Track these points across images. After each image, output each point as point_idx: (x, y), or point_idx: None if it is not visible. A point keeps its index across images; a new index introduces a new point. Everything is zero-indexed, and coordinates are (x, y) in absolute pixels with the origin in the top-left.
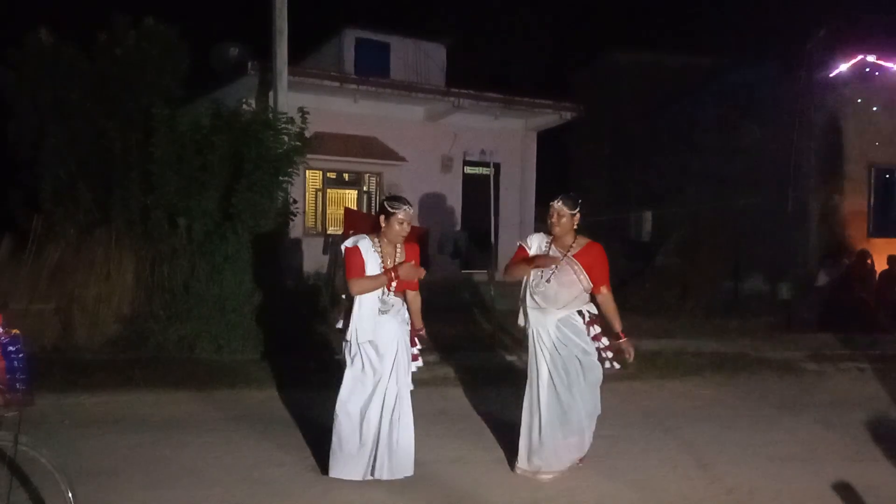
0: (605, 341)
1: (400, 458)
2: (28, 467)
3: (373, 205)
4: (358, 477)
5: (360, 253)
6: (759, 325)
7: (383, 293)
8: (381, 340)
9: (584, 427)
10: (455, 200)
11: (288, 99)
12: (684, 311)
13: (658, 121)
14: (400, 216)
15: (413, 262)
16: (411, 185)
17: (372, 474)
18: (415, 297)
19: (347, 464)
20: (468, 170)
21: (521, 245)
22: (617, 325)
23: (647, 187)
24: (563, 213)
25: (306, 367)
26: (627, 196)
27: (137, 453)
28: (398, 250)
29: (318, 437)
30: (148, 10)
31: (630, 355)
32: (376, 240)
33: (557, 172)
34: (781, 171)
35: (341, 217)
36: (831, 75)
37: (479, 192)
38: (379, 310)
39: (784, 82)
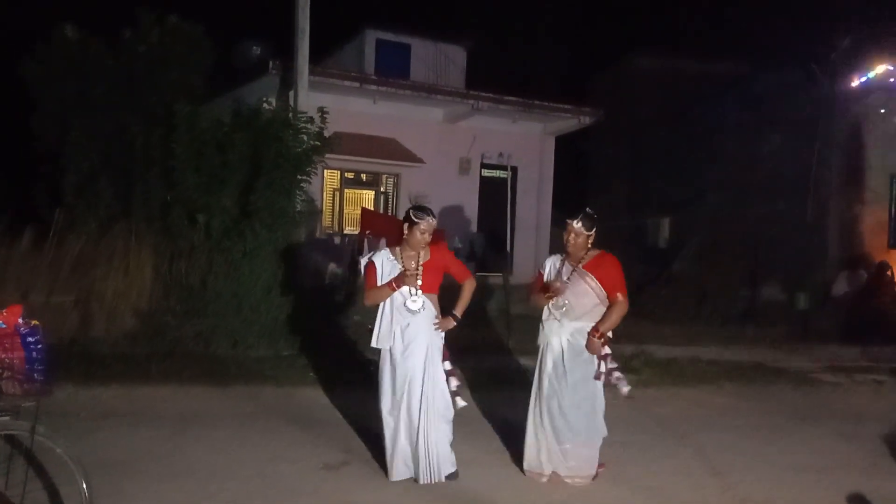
0: (612, 364)
1: (436, 461)
2: (44, 457)
3: (390, 205)
4: (402, 477)
5: (375, 267)
6: (776, 334)
7: (410, 293)
8: (407, 344)
9: (579, 437)
10: (472, 203)
11: (308, 98)
12: (700, 318)
13: (677, 127)
14: (422, 226)
15: (413, 271)
16: (428, 187)
17: (416, 478)
18: (468, 283)
19: (398, 466)
20: (485, 172)
21: (539, 272)
22: (603, 324)
23: (666, 193)
24: (580, 234)
25: (322, 365)
26: (645, 202)
27: (152, 446)
28: (421, 255)
29: (331, 434)
30: (172, 7)
31: (593, 351)
32: (397, 249)
33: (575, 177)
34: (801, 179)
35: (358, 217)
36: (854, 85)
37: (496, 195)
38: (408, 310)
39: (806, 90)
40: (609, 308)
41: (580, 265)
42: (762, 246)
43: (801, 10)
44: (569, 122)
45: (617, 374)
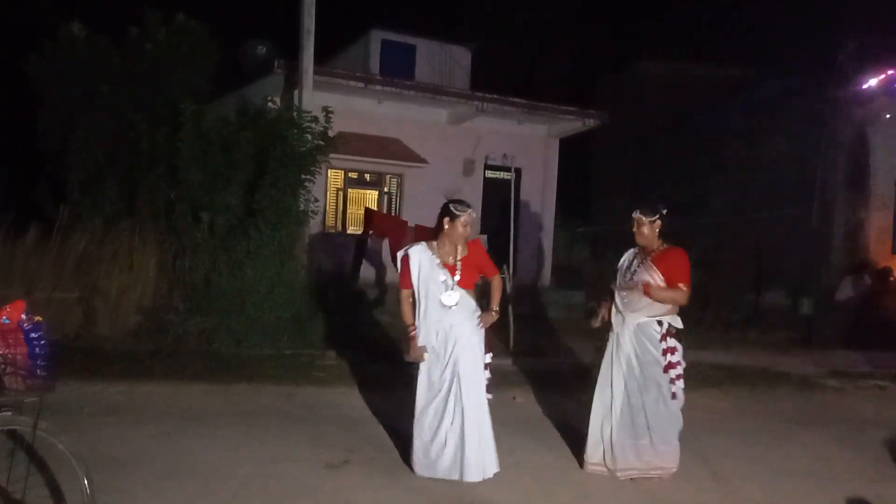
0: (674, 358)
1: (485, 457)
2: (46, 453)
3: (393, 205)
4: (443, 476)
5: (411, 262)
6: (779, 339)
7: (447, 287)
8: (454, 344)
9: (654, 432)
10: (475, 204)
11: (313, 98)
12: (704, 322)
13: (683, 131)
14: (464, 219)
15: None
16: (432, 188)
17: (461, 475)
18: (498, 279)
19: (431, 463)
20: (489, 174)
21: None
22: (657, 290)
23: (670, 197)
24: (643, 222)
25: (323, 364)
26: (644, 199)
27: (154, 443)
28: (459, 249)
29: (333, 433)
30: (179, 6)
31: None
32: (434, 244)
33: (579, 179)
34: (806, 185)
35: (361, 217)
36: (859, 90)
37: (499, 197)
38: (442, 305)
39: (812, 96)
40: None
41: (648, 259)
42: (766, 251)
43: (806, 15)
44: (573, 124)
45: (679, 384)
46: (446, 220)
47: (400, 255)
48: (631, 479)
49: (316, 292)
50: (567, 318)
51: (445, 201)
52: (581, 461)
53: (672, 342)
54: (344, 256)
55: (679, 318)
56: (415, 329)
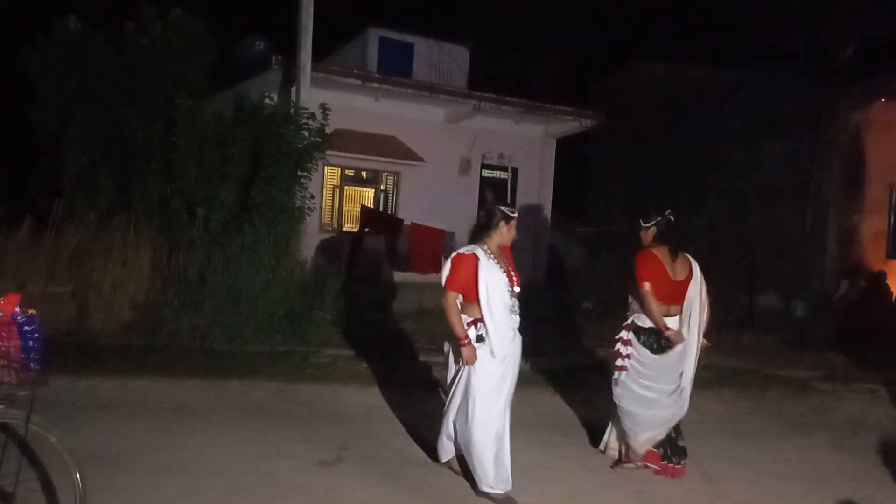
0: (622, 349)
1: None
2: (38, 447)
3: (389, 203)
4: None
5: (476, 263)
6: (772, 342)
7: (511, 297)
8: (510, 350)
9: (626, 426)
10: (471, 203)
11: (310, 95)
12: None
13: (679, 132)
14: (514, 223)
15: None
16: (428, 186)
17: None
18: None
19: (507, 476)
20: (486, 173)
21: None
22: (655, 322)
23: (664, 199)
24: (639, 228)
25: (317, 361)
26: (644, 206)
27: (146, 438)
28: (500, 254)
29: (326, 431)
30: (175, 1)
31: (676, 340)
32: (486, 247)
33: (576, 179)
34: (801, 188)
35: (358, 214)
36: (855, 94)
37: (495, 196)
38: (511, 311)
39: (807, 99)
40: None
41: None
42: (760, 253)
43: (802, 18)
44: (570, 124)
45: (622, 374)
46: (503, 222)
47: (464, 252)
48: (626, 467)
49: (311, 289)
50: (562, 318)
51: (493, 205)
52: (603, 445)
53: (624, 334)
54: (339, 254)
55: (644, 317)
56: (469, 337)
